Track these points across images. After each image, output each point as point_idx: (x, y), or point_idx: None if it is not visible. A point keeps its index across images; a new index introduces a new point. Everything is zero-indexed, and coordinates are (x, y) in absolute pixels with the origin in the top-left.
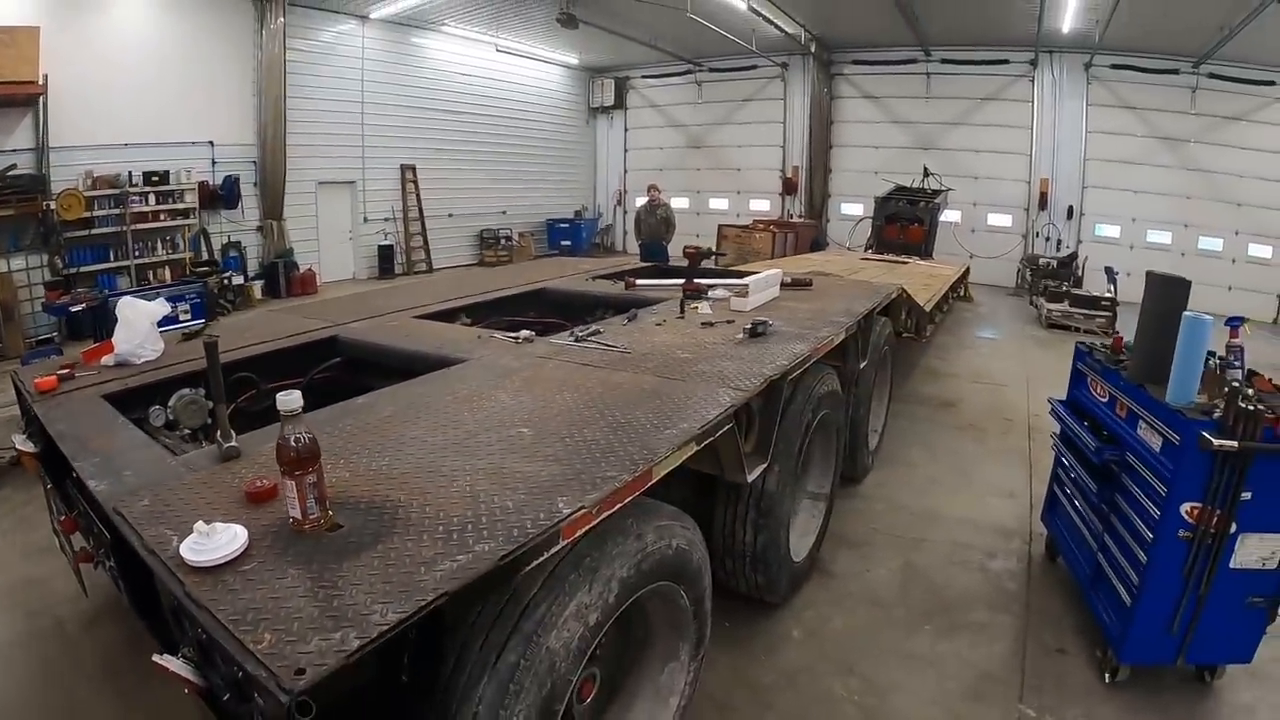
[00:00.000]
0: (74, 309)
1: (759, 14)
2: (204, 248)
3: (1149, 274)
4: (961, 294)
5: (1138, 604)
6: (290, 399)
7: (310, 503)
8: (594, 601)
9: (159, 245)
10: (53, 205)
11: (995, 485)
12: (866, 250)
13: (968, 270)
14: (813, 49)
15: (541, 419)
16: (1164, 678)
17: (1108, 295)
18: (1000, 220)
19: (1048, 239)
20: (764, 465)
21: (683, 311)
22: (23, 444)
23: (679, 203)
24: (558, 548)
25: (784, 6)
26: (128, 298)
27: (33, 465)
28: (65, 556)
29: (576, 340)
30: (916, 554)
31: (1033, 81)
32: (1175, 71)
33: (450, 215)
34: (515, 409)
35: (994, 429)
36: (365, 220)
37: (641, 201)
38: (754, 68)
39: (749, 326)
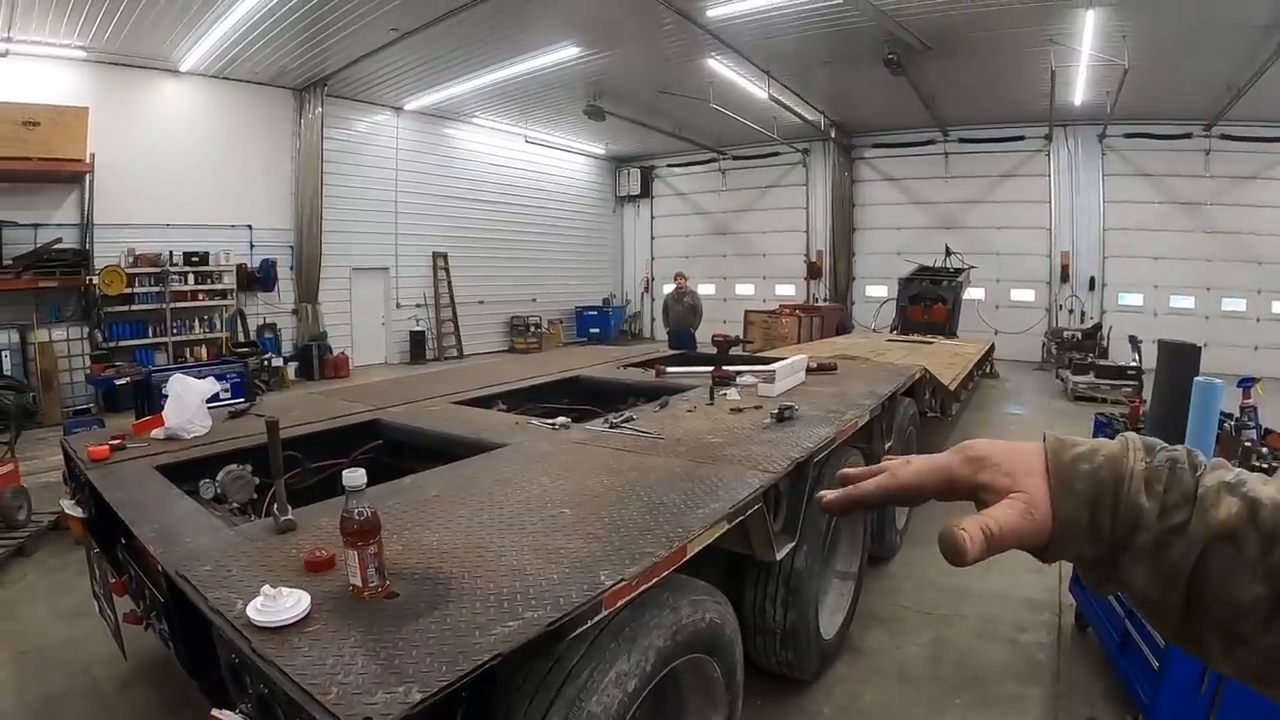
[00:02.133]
0: (118, 382)
1: (779, 102)
2: (240, 328)
3: (1160, 343)
4: (987, 371)
5: (1165, 668)
6: (355, 475)
7: (371, 572)
8: (632, 669)
9: (196, 324)
10: (95, 280)
11: (1024, 560)
12: (891, 331)
13: (992, 347)
14: (833, 134)
15: (581, 500)
16: None
17: (1133, 365)
18: (1023, 295)
19: (1071, 311)
20: (792, 544)
21: (712, 398)
22: (71, 509)
23: (705, 289)
24: (599, 617)
25: (804, 95)
26: (179, 374)
27: (79, 529)
28: (105, 620)
29: (611, 426)
30: (946, 629)
31: (1049, 156)
32: (1188, 135)
33: (481, 302)
34: (556, 491)
35: None
36: (398, 306)
37: (669, 289)
38: (776, 154)
39: (776, 412)
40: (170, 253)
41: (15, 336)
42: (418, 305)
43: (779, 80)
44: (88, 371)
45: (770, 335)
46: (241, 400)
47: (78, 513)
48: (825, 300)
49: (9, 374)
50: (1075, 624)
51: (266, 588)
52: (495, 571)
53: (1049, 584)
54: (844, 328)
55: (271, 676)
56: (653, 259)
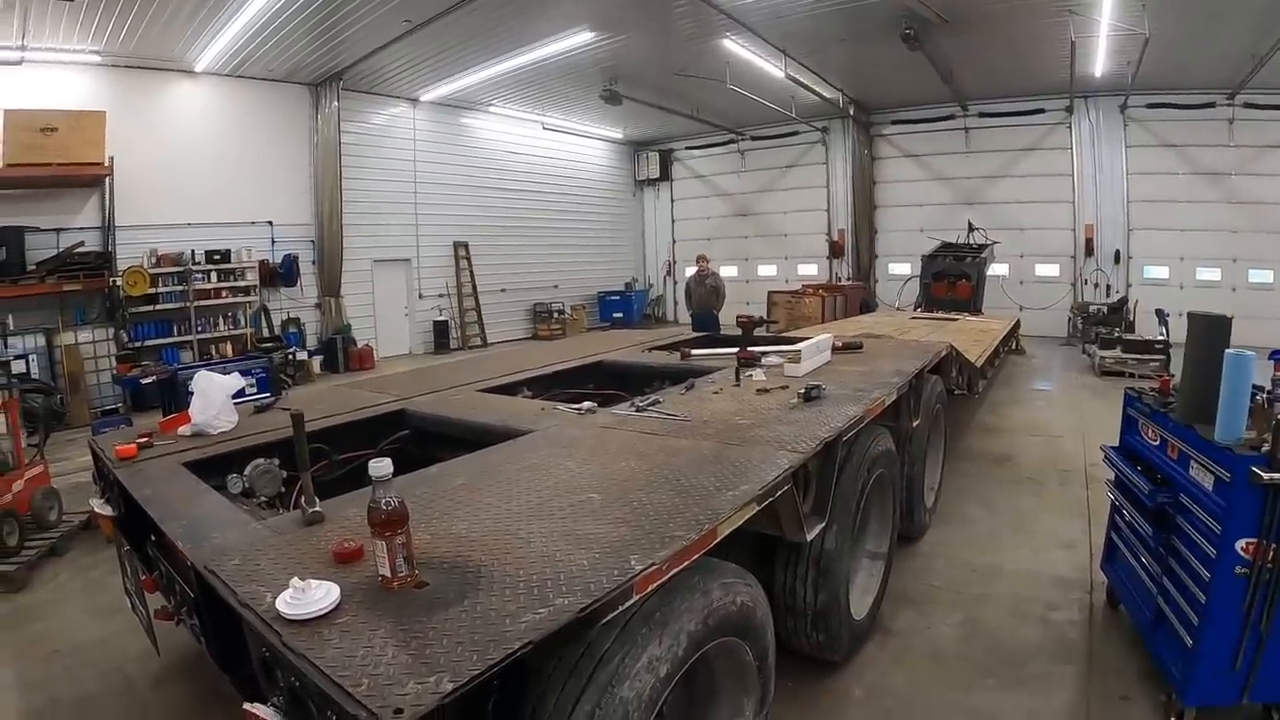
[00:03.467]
0: (144, 381)
1: (797, 81)
2: (264, 324)
3: (1190, 314)
4: (1013, 347)
5: (1199, 645)
6: (382, 465)
7: (399, 561)
8: (663, 654)
9: (220, 321)
10: (118, 281)
11: (1055, 537)
12: (915, 309)
13: (1018, 324)
14: (851, 112)
15: (608, 484)
16: (1229, 718)
17: (1160, 338)
18: (1048, 270)
19: (1096, 285)
20: (822, 524)
21: (738, 379)
22: (101, 508)
23: (727, 271)
24: (630, 602)
25: (821, 73)
26: (204, 371)
27: (110, 528)
28: (138, 616)
29: (637, 410)
30: (977, 609)
31: (1070, 128)
32: (1211, 105)
33: (503, 290)
34: (583, 476)
35: (1051, 481)
36: (420, 296)
37: (691, 272)
38: (795, 134)
39: (803, 391)
40: (192, 251)
41: (42, 340)
42: (440, 295)
43: (795, 59)
44: (114, 372)
45: (794, 315)
46: (267, 395)
47: (107, 511)
48: (848, 279)
49: (36, 377)
50: (1106, 602)
51: (295, 580)
52: (525, 558)
53: (1080, 561)
54: (867, 306)
55: (302, 669)
56: (674, 242)
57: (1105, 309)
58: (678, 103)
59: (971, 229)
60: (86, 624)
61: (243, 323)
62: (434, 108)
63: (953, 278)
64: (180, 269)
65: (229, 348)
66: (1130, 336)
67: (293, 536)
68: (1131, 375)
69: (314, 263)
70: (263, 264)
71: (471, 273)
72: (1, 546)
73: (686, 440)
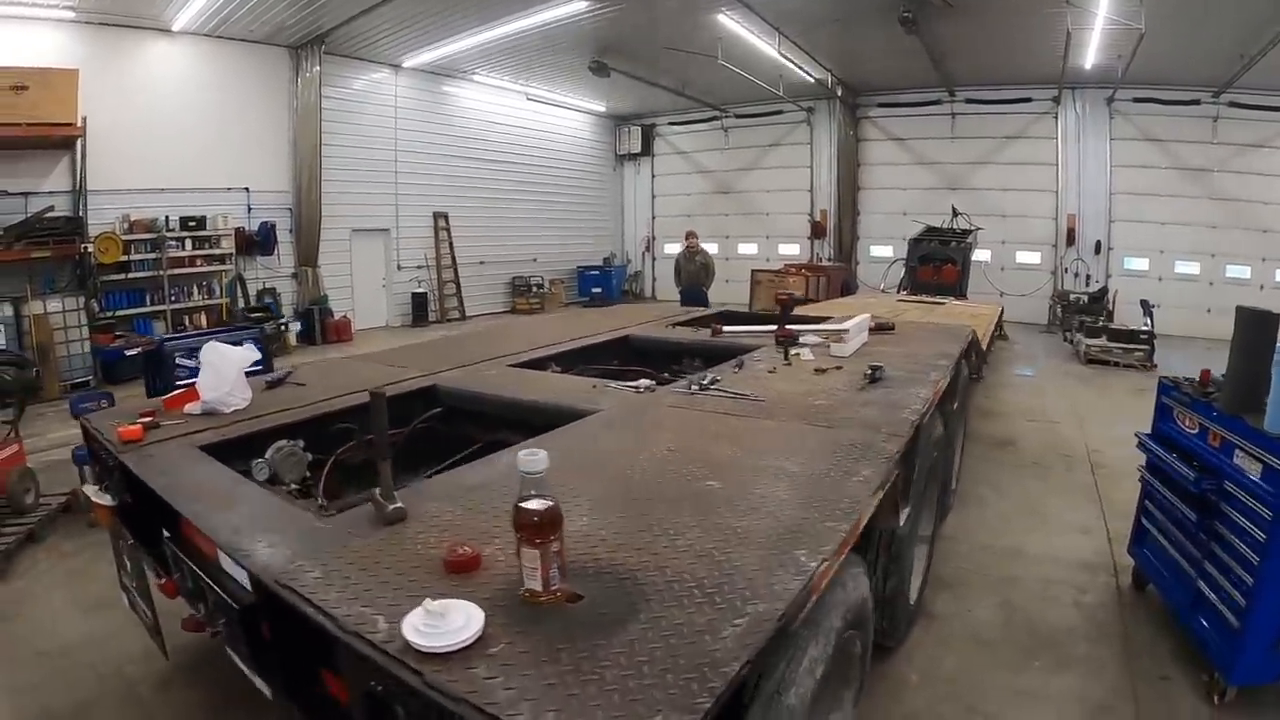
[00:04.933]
0: (128, 353)
1: (788, 59)
2: (240, 293)
3: (1239, 309)
4: (997, 333)
5: (1245, 626)
6: (536, 459)
7: (553, 572)
8: (820, 655)
9: (195, 290)
10: (90, 248)
11: (1069, 521)
12: (899, 291)
13: (1002, 310)
14: (839, 93)
15: (719, 472)
16: (1271, 696)
17: (1145, 328)
18: (1029, 258)
19: (1076, 274)
20: (909, 509)
21: (787, 358)
22: (98, 496)
23: (707, 248)
24: (811, 603)
25: (812, 53)
26: (213, 343)
27: (108, 519)
28: (139, 615)
29: (699, 389)
30: (1010, 592)
31: (1056, 118)
32: (1196, 102)
33: (482, 262)
34: (685, 461)
35: (1056, 465)
36: (399, 268)
37: (680, 248)
38: (779, 113)
39: (868, 372)
40: (166, 218)
41: (9, 310)
42: (419, 267)
43: (789, 37)
44: (90, 343)
45: (777, 295)
46: (259, 366)
47: (106, 500)
48: (829, 260)
49: (4, 348)
50: (1133, 584)
51: (429, 602)
52: (679, 559)
53: (1099, 545)
54: (848, 287)
55: (460, 714)
56: (653, 218)
57: (1086, 298)
58: (665, 77)
59: (955, 214)
60: (75, 619)
61: (218, 292)
62: (417, 75)
63: (938, 262)
64: (154, 236)
65: (203, 318)
66: (1116, 326)
67: (375, 541)
68: (1116, 364)
69: (291, 231)
70: (239, 231)
71: (451, 244)
72: None
73: (770, 422)
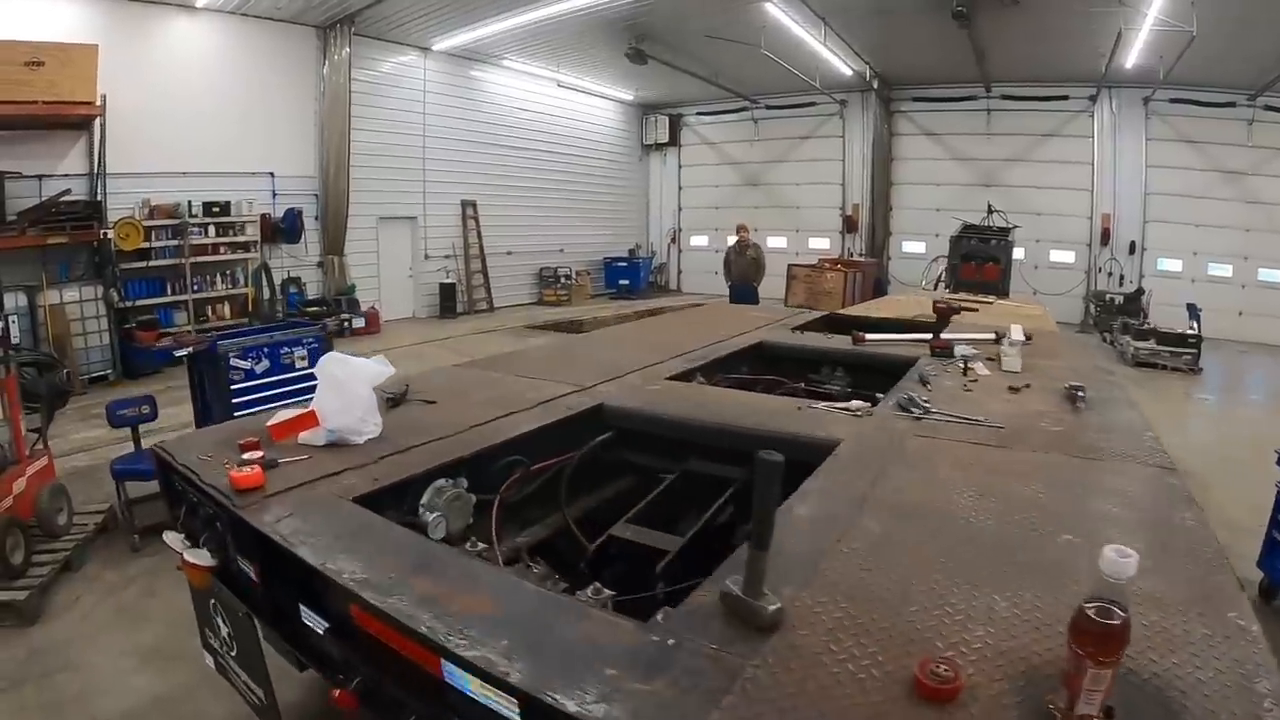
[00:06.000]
0: (178, 353)
1: (833, 51)
2: (266, 283)
3: None
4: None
5: None
6: (1127, 562)
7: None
8: None
9: (218, 279)
10: (110, 234)
11: None
12: (937, 288)
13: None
14: (875, 85)
15: (1052, 520)
16: None
17: (1192, 332)
18: (1063, 257)
19: (1110, 274)
20: None
21: (966, 371)
22: (194, 555)
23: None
24: None
25: (853, 44)
26: (335, 354)
27: (202, 580)
28: (231, 684)
29: (920, 412)
30: None
31: (1092, 117)
32: (1232, 104)
33: (509, 253)
34: (1009, 511)
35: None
36: (426, 257)
37: (704, 241)
38: (812, 104)
39: (1069, 392)
40: (189, 203)
41: (24, 300)
42: (446, 256)
43: (833, 29)
44: (125, 339)
45: (814, 291)
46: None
47: (205, 561)
48: (861, 255)
49: (36, 348)
50: (1260, 596)
51: None
52: (1150, 648)
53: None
54: (880, 283)
55: None
56: (679, 209)
57: (1122, 298)
58: (698, 66)
59: (991, 211)
60: (136, 673)
61: (242, 281)
62: (446, 58)
63: (980, 260)
64: (176, 222)
65: (227, 308)
66: (1164, 329)
67: (768, 669)
68: (1164, 367)
69: (317, 218)
70: (264, 218)
71: (479, 233)
72: (4, 566)
73: (1035, 454)
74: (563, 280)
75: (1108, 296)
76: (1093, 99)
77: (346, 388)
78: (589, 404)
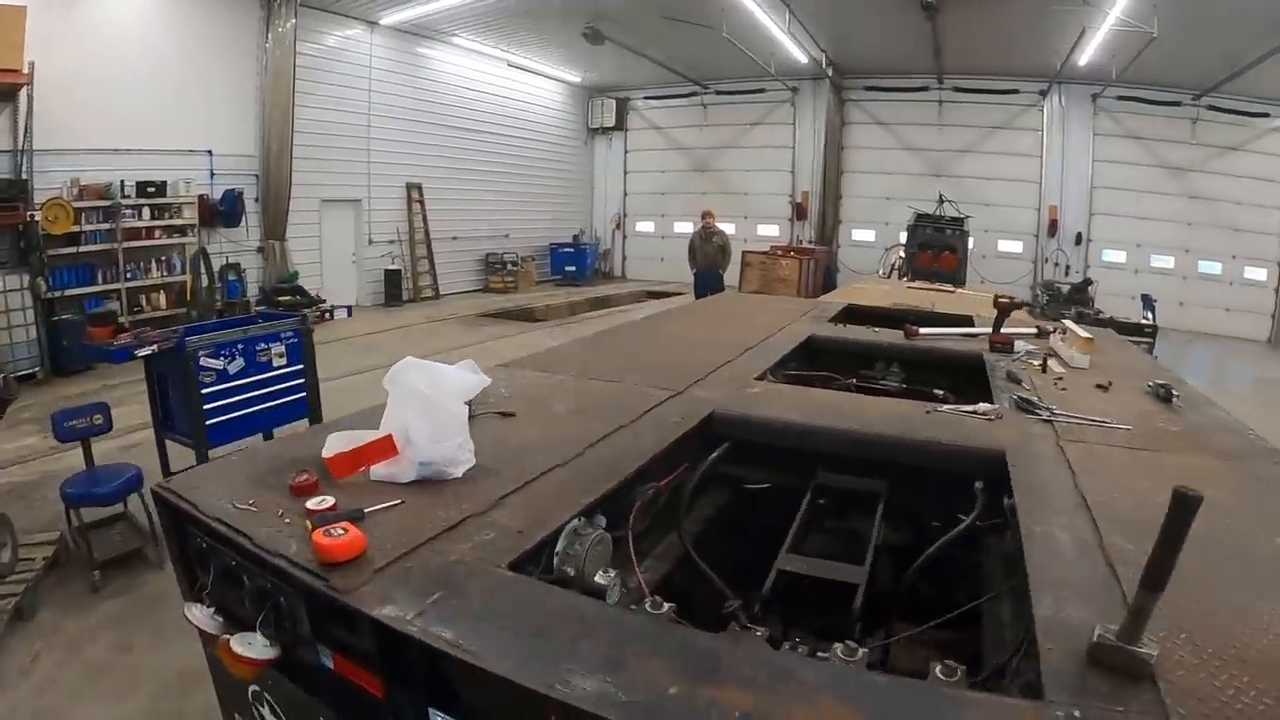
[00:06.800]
0: (140, 353)
1: (794, 38)
2: (204, 270)
3: None
4: None
5: None
6: None
7: None
8: None
9: (153, 266)
10: (36, 217)
11: None
12: (892, 277)
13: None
14: (830, 73)
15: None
16: None
17: (1148, 322)
18: (1011, 246)
19: (1056, 265)
20: None
21: (1044, 369)
22: (246, 647)
23: (682, 227)
24: None
25: (813, 31)
26: (414, 359)
27: (252, 672)
28: None
29: (1030, 411)
30: None
31: (1042, 111)
32: (1177, 103)
33: (454, 238)
34: (1233, 519)
35: None
36: (370, 242)
37: (649, 227)
38: (762, 91)
39: (1158, 390)
40: (121, 183)
41: None
42: (391, 241)
43: (797, 16)
44: (87, 340)
45: (769, 278)
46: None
47: (263, 654)
48: (810, 242)
49: None
50: None
51: None
52: None
53: None
54: (829, 274)
55: None
56: (625, 195)
57: (1069, 288)
58: (653, 48)
59: (942, 201)
60: None
61: (179, 268)
62: (393, 34)
63: (937, 249)
64: (108, 203)
65: (162, 298)
66: (1121, 319)
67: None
68: None
69: (257, 200)
70: (202, 199)
71: (425, 217)
72: None
73: (1187, 458)
74: (509, 266)
75: (1056, 286)
76: (1043, 94)
77: (436, 406)
78: (701, 413)
